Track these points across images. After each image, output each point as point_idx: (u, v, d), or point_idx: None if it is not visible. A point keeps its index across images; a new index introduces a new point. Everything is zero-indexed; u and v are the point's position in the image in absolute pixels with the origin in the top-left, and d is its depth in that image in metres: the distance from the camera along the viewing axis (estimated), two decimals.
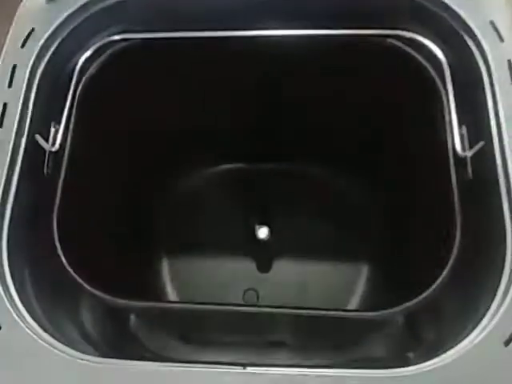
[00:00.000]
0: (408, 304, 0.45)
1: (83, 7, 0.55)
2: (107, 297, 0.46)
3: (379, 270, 0.70)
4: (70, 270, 0.48)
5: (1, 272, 0.46)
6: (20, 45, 0.53)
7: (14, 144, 0.49)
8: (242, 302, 0.72)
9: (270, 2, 0.55)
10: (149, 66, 0.58)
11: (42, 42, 0.53)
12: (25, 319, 0.44)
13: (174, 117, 0.64)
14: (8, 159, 0.48)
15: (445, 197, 0.47)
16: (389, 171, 0.64)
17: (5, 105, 0.50)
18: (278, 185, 0.76)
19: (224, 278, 0.74)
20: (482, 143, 0.47)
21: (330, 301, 0.70)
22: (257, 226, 0.71)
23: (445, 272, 0.45)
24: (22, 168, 0.49)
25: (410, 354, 0.59)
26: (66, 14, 0.54)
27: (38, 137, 0.50)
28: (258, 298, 0.72)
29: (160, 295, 0.73)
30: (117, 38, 0.56)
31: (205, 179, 0.79)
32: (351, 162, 0.70)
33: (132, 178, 0.64)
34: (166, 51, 0.57)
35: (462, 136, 0.48)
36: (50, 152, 0.50)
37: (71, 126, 0.52)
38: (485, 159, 0.47)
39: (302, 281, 0.72)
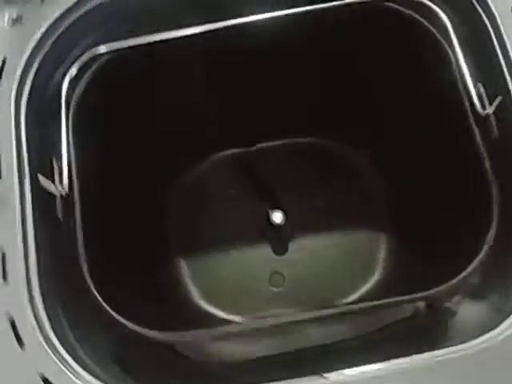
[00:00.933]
0: (444, 286, 0.44)
1: (52, 26, 0.50)
2: (150, 332, 0.45)
3: (401, 245, 0.68)
4: (108, 308, 0.46)
5: (40, 322, 0.43)
6: None
7: (20, 192, 0.45)
8: (270, 287, 0.72)
9: None
10: (138, 72, 0.55)
11: (18, 72, 0.48)
12: (72, 368, 0.42)
13: (173, 116, 0.61)
14: (18, 211, 0.45)
15: (473, 160, 0.46)
16: (404, 143, 0.62)
17: None
18: (284, 163, 0.74)
19: (246, 267, 0.73)
20: (500, 98, 0.46)
21: (355, 274, 0.70)
22: (270, 211, 0.70)
23: (485, 246, 0.43)
24: (34, 218, 0.45)
25: None
26: (36, 37, 0.49)
27: (42, 182, 0.46)
28: (284, 280, 0.72)
29: (185, 298, 0.72)
30: (99, 51, 0.51)
31: (208, 170, 0.75)
32: (360, 134, 0.68)
33: (144, 188, 0.62)
34: (154, 55, 0.53)
35: (479, 94, 0.47)
36: (61, 195, 0.47)
37: (73, 158, 0.49)
38: (507, 114, 0.46)
39: (322, 257, 0.71)
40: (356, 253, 0.72)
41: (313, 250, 0.72)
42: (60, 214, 0.47)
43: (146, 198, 0.64)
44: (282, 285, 0.71)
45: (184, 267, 0.73)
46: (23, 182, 0.46)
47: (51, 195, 0.47)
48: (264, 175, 0.75)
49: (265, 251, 0.73)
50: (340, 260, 0.71)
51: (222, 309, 0.71)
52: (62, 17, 0.50)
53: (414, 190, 0.63)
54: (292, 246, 0.73)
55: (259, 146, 0.75)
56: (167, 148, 0.65)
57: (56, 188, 0.47)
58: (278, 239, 0.73)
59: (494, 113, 0.46)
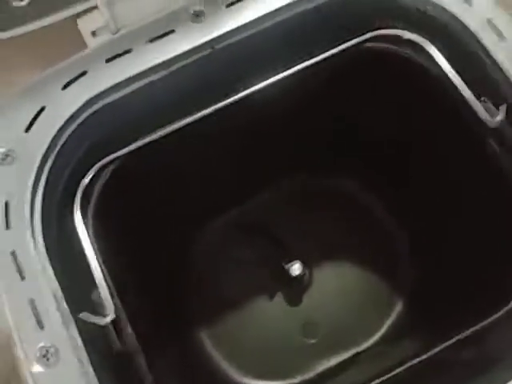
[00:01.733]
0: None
1: (43, 159, 0.46)
2: None
3: (421, 277, 0.67)
4: None
5: None
6: (4, 227, 0.44)
7: (70, 339, 0.41)
8: (305, 339, 0.70)
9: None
10: (143, 177, 0.52)
11: (26, 220, 0.44)
12: None
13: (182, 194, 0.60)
14: (76, 363, 0.40)
15: (498, 177, 0.47)
16: (419, 175, 0.61)
17: (32, 300, 0.42)
18: (285, 210, 0.73)
19: (274, 327, 0.71)
20: (505, 105, 0.47)
21: (379, 307, 0.70)
22: (287, 265, 0.68)
23: None
24: (94, 364, 0.41)
25: None
26: (29, 184, 0.45)
27: (89, 319, 0.42)
28: (317, 328, 0.70)
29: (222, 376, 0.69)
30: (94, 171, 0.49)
31: (210, 238, 0.73)
32: (374, 175, 0.67)
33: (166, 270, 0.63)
34: (150, 156, 0.51)
35: (486, 107, 0.47)
36: (112, 323, 0.44)
37: (109, 283, 0.46)
38: None
39: (344, 297, 0.71)
40: (375, 288, 0.71)
41: (333, 292, 0.71)
42: (120, 345, 0.44)
43: (170, 280, 0.64)
44: (317, 334, 0.70)
45: (210, 342, 0.70)
46: (69, 326, 0.42)
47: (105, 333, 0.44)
48: (268, 228, 0.73)
49: (285, 305, 0.71)
50: (361, 297, 0.71)
51: (262, 377, 0.68)
52: (49, 149, 0.47)
53: (434, 224, 0.62)
54: (310, 292, 0.72)
55: (253, 200, 0.73)
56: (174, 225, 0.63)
57: (105, 318, 0.44)
58: (297, 290, 0.72)
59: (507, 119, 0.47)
